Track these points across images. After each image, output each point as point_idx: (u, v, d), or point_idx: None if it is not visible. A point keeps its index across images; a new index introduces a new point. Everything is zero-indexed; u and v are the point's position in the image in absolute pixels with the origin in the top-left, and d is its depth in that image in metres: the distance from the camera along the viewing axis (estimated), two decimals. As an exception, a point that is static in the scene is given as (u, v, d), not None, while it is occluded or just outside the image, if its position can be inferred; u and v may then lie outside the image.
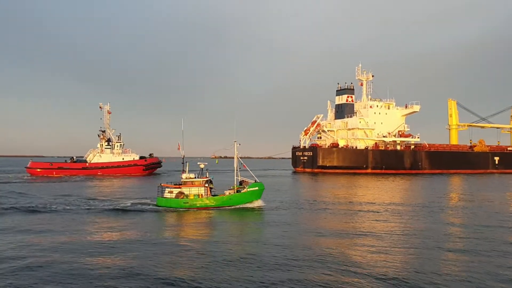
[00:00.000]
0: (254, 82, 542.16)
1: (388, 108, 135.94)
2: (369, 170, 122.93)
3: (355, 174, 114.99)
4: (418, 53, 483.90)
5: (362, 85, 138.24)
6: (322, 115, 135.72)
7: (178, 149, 43.43)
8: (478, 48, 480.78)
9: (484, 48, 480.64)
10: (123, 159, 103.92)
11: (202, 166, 42.64)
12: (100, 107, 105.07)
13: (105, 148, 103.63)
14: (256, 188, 42.13)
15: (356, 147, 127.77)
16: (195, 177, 41.41)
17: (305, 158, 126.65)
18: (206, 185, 41.06)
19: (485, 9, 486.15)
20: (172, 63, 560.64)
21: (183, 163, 43.21)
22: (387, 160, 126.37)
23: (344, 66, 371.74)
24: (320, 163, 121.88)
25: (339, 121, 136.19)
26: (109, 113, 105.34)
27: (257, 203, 42.12)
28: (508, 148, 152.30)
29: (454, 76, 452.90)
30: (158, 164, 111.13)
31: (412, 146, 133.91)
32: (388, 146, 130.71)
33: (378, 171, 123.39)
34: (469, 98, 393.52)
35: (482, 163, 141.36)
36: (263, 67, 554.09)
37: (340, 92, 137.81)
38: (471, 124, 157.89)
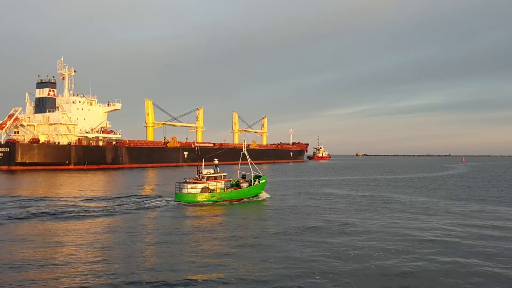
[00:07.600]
0: None
1: (91, 105, 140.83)
2: (71, 166, 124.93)
3: (57, 170, 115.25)
4: (120, 49, 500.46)
5: (64, 79, 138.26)
6: (20, 108, 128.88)
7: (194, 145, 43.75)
8: (173, 51, 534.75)
9: (178, 52, 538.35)
10: None
11: (216, 161, 47.61)
12: None
13: None
14: (264, 180, 50.28)
15: (58, 142, 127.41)
16: (213, 173, 46.04)
17: (1, 154, 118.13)
18: (230, 179, 48.46)
19: (184, 12, 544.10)
20: None
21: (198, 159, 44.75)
22: (90, 156, 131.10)
23: (45, 57, 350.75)
24: (19, 159, 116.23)
25: (39, 115, 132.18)
26: None
27: (264, 193, 50.66)
28: (194, 144, 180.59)
29: (152, 77, 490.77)
30: None
31: (114, 142, 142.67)
32: (91, 142, 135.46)
33: (81, 166, 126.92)
34: (164, 98, 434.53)
35: (174, 157, 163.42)
36: None
37: (41, 85, 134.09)
38: (165, 122, 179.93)
